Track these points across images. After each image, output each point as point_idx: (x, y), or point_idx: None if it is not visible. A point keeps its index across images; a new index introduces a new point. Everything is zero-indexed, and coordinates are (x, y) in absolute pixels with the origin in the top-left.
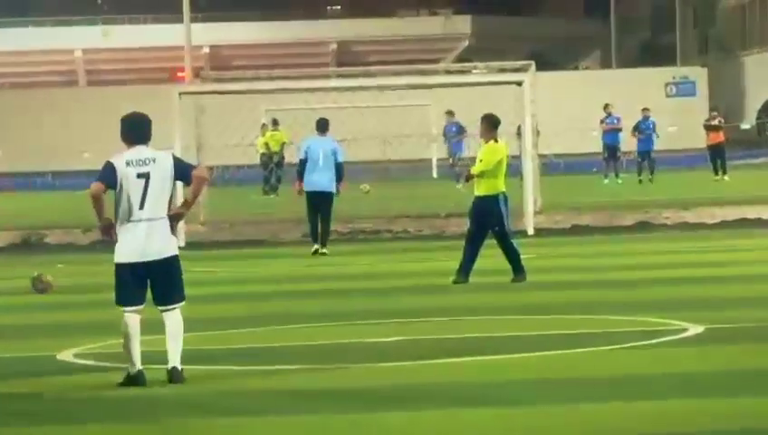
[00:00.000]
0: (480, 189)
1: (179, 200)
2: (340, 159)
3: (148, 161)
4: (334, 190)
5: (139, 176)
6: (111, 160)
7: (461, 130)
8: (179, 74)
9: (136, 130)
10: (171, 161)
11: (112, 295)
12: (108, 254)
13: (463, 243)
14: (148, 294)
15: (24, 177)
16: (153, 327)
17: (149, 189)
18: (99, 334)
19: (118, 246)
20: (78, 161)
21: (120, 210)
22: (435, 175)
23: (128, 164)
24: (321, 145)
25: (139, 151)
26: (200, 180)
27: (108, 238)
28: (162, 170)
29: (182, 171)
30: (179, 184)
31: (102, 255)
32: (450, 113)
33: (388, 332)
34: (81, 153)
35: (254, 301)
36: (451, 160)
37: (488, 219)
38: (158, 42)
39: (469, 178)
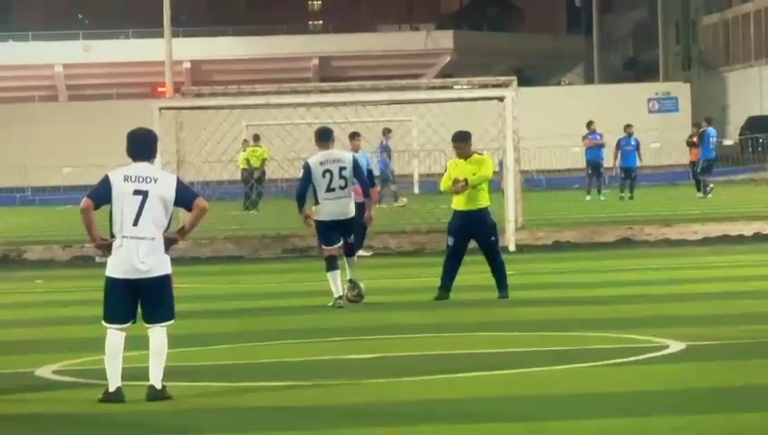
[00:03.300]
0: (470, 203)
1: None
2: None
3: (149, 180)
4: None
5: (135, 193)
6: (109, 174)
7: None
8: (160, 89)
9: (139, 146)
10: (174, 185)
11: (91, 312)
12: (86, 269)
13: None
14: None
15: (4, 192)
16: (139, 343)
17: (145, 208)
18: (78, 350)
19: (110, 260)
20: (58, 177)
21: (115, 224)
22: (416, 190)
23: (125, 179)
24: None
25: (142, 168)
26: (202, 211)
27: (106, 255)
28: (162, 192)
29: (185, 199)
30: None
31: (82, 270)
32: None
33: (368, 348)
34: (61, 168)
35: (232, 317)
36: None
37: (482, 232)
38: (139, 57)
39: (461, 189)
